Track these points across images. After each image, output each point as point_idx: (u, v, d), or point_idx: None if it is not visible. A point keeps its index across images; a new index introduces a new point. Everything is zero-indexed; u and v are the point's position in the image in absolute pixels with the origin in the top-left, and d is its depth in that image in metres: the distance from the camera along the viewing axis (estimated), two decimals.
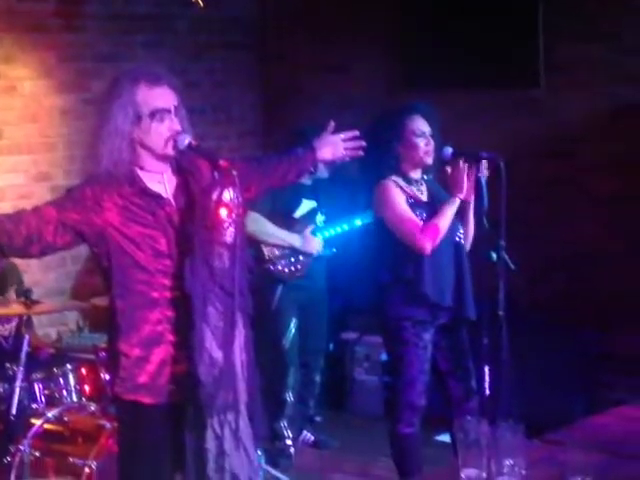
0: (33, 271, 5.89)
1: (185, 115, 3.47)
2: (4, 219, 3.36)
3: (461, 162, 4.51)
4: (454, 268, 4.66)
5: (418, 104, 4.77)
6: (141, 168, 3.44)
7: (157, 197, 3.43)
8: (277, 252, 5.59)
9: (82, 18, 6.27)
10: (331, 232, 5.70)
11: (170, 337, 3.42)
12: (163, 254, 3.41)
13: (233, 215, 3.36)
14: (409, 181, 4.68)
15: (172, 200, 3.45)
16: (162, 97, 3.40)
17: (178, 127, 3.41)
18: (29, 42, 6.03)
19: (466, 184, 4.53)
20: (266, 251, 5.57)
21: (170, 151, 3.41)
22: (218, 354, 3.37)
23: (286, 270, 5.61)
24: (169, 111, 3.40)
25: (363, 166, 4.71)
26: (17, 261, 5.44)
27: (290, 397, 5.67)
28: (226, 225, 3.37)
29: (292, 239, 5.58)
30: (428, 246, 4.53)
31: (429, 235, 4.54)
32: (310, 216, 5.70)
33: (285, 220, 5.60)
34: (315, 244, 5.62)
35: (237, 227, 3.36)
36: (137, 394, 3.44)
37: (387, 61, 6.70)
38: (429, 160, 4.66)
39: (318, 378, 5.90)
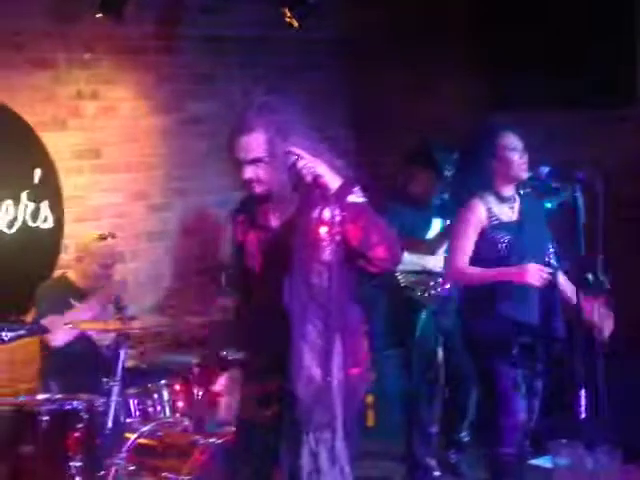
0: (129, 289, 5.99)
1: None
2: None
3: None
4: (540, 288, 4.61)
5: (506, 124, 4.80)
6: None
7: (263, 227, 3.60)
8: (412, 278, 5.43)
9: (179, 40, 6.38)
10: None
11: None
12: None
13: (333, 233, 3.38)
14: (501, 199, 4.67)
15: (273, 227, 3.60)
16: (244, 147, 3.50)
17: (249, 176, 3.50)
18: (128, 64, 6.14)
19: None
20: (401, 278, 5.42)
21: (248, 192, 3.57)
22: (316, 372, 3.38)
23: (426, 295, 5.43)
24: (247, 162, 3.50)
25: (458, 184, 4.71)
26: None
27: (436, 429, 5.56)
28: (325, 243, 3.39)
29: (425, 261, 5.43)
30: (446, 284, 4.62)
31: (459, 277, 4.67)
32: (442, 235, 5.52)
33: (413, 243, 5.39)
34: None
35: (337, 245, 3.38)
36: None
37: (476, 81, 6.65)
38: (524, 174, 4.64)
39: (470, 403, 5.64)
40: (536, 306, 4.60)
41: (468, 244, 4.61)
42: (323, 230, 3.36)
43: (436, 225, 5.58)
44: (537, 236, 4.65)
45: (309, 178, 3.40)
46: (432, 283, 5.44)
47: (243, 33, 6.66)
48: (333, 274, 3.37)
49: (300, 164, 3.41)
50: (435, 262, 5.45)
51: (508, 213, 4.67)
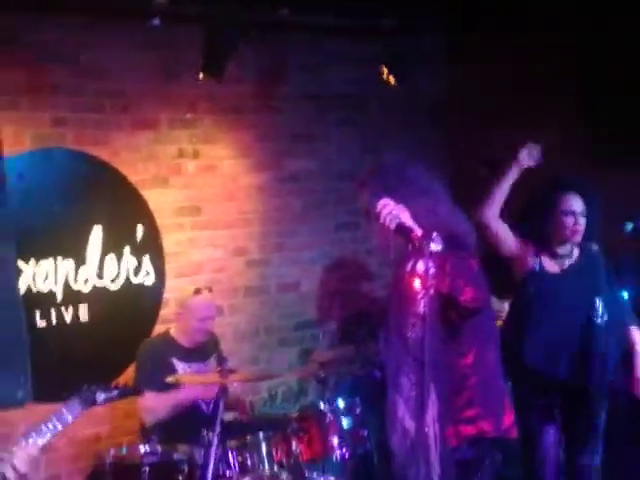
0: (228, 340, 6.06)
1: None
2: None
3: None
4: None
5: (572, 179, 4.88)
6: None
7: None
8: None
9: (278, 99, 6.49)
10: None
11: None
12: None
13: (426, 285, 3.40)
14: (554, 256, 4.79)
15: None
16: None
17: None
18: (228, 123, 6.26)
19: None
20: None
21: None
22: (410, 424, 3.39)
23: None
24: None
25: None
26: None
27: None
28: (419, 296, 3.42)
29: None
30: None
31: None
32: None
33: None
34: None
35: (430, 298, 3.39)
36: None
37: (573, 136, 6.59)
38: (577, 238, 4.75)
39: None
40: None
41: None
42: (417, 283, 3.38)
43: None
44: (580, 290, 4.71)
45: (392, 226, 3.43)
46: None
47: (341, 91, 6.75)
48: (427, 326, 3.38)
49: (384, 212, 3.45)
50: None
51: (553, 266, 4.80)
